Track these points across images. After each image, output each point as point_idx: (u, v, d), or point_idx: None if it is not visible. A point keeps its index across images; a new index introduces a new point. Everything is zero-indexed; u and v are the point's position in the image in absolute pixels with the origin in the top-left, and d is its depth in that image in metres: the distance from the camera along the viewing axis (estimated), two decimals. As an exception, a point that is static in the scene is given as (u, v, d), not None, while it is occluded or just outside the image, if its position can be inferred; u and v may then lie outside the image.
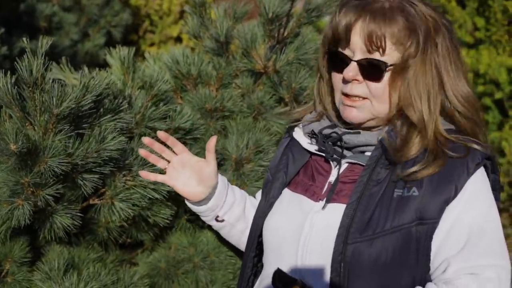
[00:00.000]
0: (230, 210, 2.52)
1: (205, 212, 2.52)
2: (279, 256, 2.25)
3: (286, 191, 2.36)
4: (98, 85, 2.50)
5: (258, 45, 3.33)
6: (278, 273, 2.05)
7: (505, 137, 7.02)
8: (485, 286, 2.03)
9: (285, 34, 3.39)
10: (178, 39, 9.92)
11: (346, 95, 2.21)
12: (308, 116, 2.41)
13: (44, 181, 2.47)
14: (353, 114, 2.21)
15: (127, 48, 3.15)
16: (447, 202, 2.09)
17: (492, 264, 2.06)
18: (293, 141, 2.42)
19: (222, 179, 2.51)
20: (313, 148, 2.34)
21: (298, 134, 2.41)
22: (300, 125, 2.42)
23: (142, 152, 2.43)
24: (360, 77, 2.18)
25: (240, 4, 3.46)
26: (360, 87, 2.19)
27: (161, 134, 2.41)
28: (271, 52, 3.33)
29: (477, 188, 2.12)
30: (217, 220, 2.54)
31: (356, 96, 2.20)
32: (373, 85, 2.18)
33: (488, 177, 2.20)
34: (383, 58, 2.16)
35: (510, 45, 7.49)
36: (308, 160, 2.37)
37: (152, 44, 9.87)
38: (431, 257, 2.11)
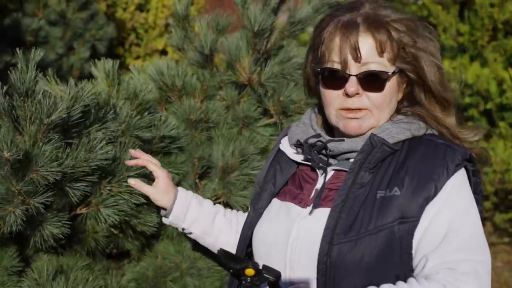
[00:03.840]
0: (194, 225, 2.65)
1: (171, 224, 2.68)
2: (268, 263, 2.27)
3: (275, 201, 2.40)
4: (86, 95, 2.54)
5: (242, 57, 3.36)
6: (224, 254, 2.06)
7: (492, 147, 7.07)
8: (461, 280, 2.06)
9: (269, 46, 3.43)
10: (164, 52, 9.96)
11: (347, 109, 2.26)
12: (292, 128, 2.46)
13: (35, 189, 2.51)
14: (355, 125, 2.26)
15: (112, 60, 3.18)
16: (427, 200, 2.14)
17: (469, 259, 2.10)
18: (280, 152, 2.46)
19: (183, 197, 2.65)
20: (299, 158, 2.38)
21: (285, 146, 2.45)
22: (286, 137, 2.45)
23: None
24: (360, 90, 2.23)
25: (223, 17, 3.48)
26: (361, 99, 2.24)
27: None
28: (256, 65, 3.36)
29: (456, 187, 2.17)
30: (184, 232, 2.70)
31: (357, 108, 2.25)
32: (374, 95, 2.24)
33: (470, 179, 2.25)
34: (381, 68, 2.22)
35: (495, 50, 7.53)
36: (295, 171, 2.41)
37: (137, 57, 9.91)
38: (413, 255, 2.16)
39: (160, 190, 2.65)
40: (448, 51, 7.74)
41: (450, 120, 2.30)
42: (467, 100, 7.42)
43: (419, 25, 2.29)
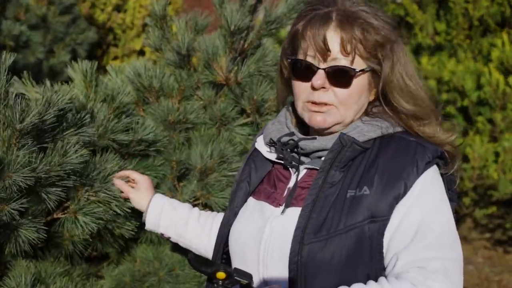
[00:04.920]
0: (169, 230, 2.70)
1: (152, 230, 2.75)
2: (243, 261, 2.29)
3: (251, 200, 2.40)
4: (60, 99, 2.52)
5: (219, 57, 3.36)
6: (195, 258, 2.09)
7: (469, 143, 7.12)
8: (430, 278, 2.06)
9: (246, 46, 3.43)
10: (141, 53, 9.94)
11: (312, 102, 2.25)
12: (268, 125, 2.45)
13: (9, 196, 2.49)
14: (319, 119, 2.25)
15: (90, 61, 3.16)
16: (397, 199, 2.14)
17: (438, 256, 2.09)
18: (256, 151, 2.46)
19: (156, 203, 2.71)
20: (273, 156, 2.38)
21: (260, 144, 2.45)
22: (262, 135, 2.45)
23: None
24: (327, 85, 2.22)
25: (201, 17, 3.48)
26: (327, 94, 2.23)
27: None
28: (233, 64, 3.36)
29: (427, 184, 2.17)
30: (163, 237, 2.74)
31: (323, 103, 2.24)
32: (340, 91, 2.22)
33: (443, 176, 2.24)
34: (350, 65, 2.21)
35: (471, 49, 7.59)
36: (271, 169, 2.41)
37: (115, 58, 9.88)
38: (384, 254, 2.16)
39: (140, 194, 2.72)
40: (426, 50, 7.78)
41: (424, 128, 2.27)
42: (444, 96, 7.47)
43: (395, 29, 2.29)
